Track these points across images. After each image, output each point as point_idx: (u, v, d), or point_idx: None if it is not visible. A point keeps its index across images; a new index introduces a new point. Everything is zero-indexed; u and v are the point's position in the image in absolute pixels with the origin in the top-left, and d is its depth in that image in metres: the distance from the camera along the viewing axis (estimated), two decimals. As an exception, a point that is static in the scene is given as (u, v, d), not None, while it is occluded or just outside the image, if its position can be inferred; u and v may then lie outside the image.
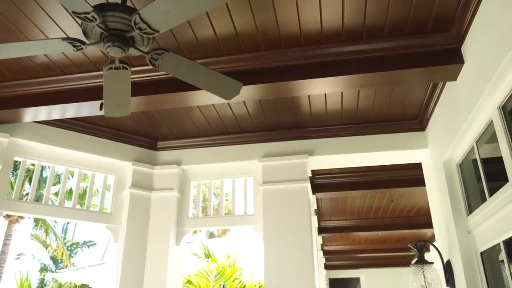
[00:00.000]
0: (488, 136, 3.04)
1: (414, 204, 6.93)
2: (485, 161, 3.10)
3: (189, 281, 7.20)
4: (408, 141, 4.14)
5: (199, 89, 3.19)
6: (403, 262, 12.80)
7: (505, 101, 2.62)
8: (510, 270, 2.75)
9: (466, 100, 2.96)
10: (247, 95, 3.31)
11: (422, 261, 3.55)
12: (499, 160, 3.13)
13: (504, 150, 2.62)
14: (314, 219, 5.52)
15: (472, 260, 3.26)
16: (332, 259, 11.79)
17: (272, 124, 4.31)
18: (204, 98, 3.38)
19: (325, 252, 10.29)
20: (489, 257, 3.20)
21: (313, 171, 5.33)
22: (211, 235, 28.88)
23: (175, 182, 4.38)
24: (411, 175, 5.37)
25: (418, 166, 5.20)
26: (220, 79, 2.40)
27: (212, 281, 7.19)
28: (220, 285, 7.31)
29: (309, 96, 3.76)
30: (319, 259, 7.92)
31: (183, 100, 3.45)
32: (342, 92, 3.64)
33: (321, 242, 8.32)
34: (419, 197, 6.47)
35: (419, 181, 5.27)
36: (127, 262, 3.97)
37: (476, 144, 3.14)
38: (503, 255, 3.12)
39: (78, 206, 4.38)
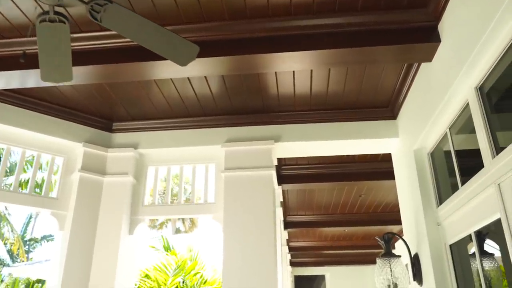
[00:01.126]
0: (462, 122, 2.88)
1: (382, 199, 6.82)
2: (458, 149, 2.93)
3: (147, 276, 6.84)
4: (379, 129, 3.96)
5: (156, 59, 2.91)
6: (369, 260, 12.82)
7: (482, 81, 2.45)
8: (481, 263, 2.59)
9: (441, 82, 2.78)
10: (209, 69, 3.03)
11: (389, 254, 3.37)
12: (472, 149, 2.98)
13: (479, 133, 2.44)
14: (280, 211, 5.29)
15: (441, 253, 3.10)
16: (298, 256, 11.66)
17: (237, 108, 4.04)
18: (163, 70, 3.08)
19: (291, 249, 10.13)
20: (458, 250, 3.04)
21: (279, 161, 5.10)
22: (177, 231, 28.44)
23: (130, 166, 4.04)
24: (380, 168, 5.23)
25: (387, 159, 5.06)
26: (174, 40, 2.11)
27: (171, 275, 6.84)
28: (180, 280, 6.96)
29: (276, 76, 3.51)
30: (284, 254, 7.72)
31: (139, 72, 3.13)
32: (311, 72, 3.40)
33: (287, 238, 8.13)
34: (387, 192, 6.36)
35: (388, 174, 5.13)
36: (72, 252, 3.62)
37: (450, 131, 2.98)
38: (472, 248, 2.97)
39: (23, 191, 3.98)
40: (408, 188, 3.64)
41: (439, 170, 3.31)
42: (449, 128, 2.98)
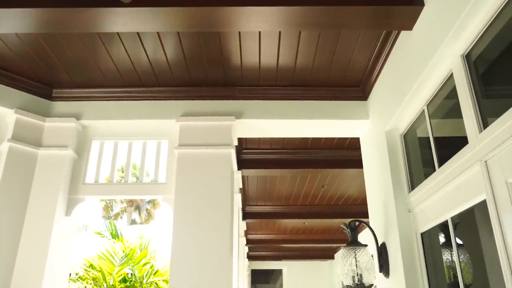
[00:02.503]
0: (441, 97, 2.62)
1: (344, 191, 6.62)
2: (436, 127, 2.67)
3: (91, 265, 6.29)
4: (348, 110, 3.68)
5: (99, 5, 2.47)
6: (326, 255, 12.77)
7: (469, 48, 2.19)
8: (458, 253, 2.34)
9: (422, 52, 2.51)
10: (162, 22, 2.61)
11: (354, 243, 3.08)
12: (451, 128, 2.73)
13: (464, 105, 2.18)
14: (238, 198, 4.94)
15: (411, 242, 2.84)
16: (256, 249, 11.39)
17: (195, 79, 3.64)
18: (108, 21, 2.63)
19: (249, 241, 9.83)
20: (430, 239, 2.80)
21: (240, 145, 4.75)
22: (133, 222, 27.59)
23: (71, 139, 3.55)
24: (346, 156, 4.99)
25: (353, 146, 4.83)
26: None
27: (117, 264, 6.32)
28: (128, 270, 6.46)
29: (240, 42, 3.14)
30: (242, 246, 7.39)
31: (81, 21, 2.66)
32: (279, 38, 3.06)
33: (245, 229, 7.80)
34: (350, 183, 6.15)
35: (353, 163, 4.92)
36: (-5, 233, 3.11)
37: (427, 108, 2.72)
38: (445, 236, 2.73)
39: None
40: (378, 173, 3.38)
41: (412, 153, 3.06)
42: (427, 105, 2.71)
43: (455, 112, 2.56)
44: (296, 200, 7.07)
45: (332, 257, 12.82)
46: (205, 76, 3.59)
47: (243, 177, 5.59)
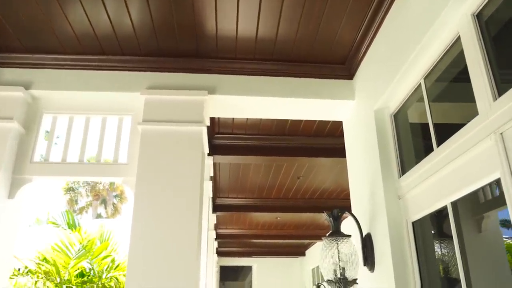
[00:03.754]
0: (440, 70, 2.34)
1: (321, 183, 6.34)
2: (434, 102, 2.39)
3: (45, 259, 5.74)
4: (332, 89, 3.37)
5: None
6: (298, 252, 12.55)
7: (482, 6, 1.90)
8: (459, 243, 2.05)
9: (423, 16, 2.21)
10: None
11: (337, 233, 2.77)
12: (453, 102, 2.46)
13: (475, 72, 1.88)
14: (209, 185, 4.56)
15: (401, 232, 2.55)
16: (225, 245, 11.04)
17: (164, 49, 3.24)
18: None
19: (219, 236, 9.46)
20: (422, 228, 2.51)
21: (212, 128, 4.39)
22: (98, 216, 26.67)
23: (17, 110, 3.09)
24: (325, 144, 4.70)
25: (333, 134, 4.56)
26: None
27: (74, 257, 5.80)
28: (87, 263, 5.95)
29: (216, 6, 2.77)
30: (211, 240, 7.01)
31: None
32: (259, 3, 2.70)
33: (215, 222, 7.42)
34: (327, 174, 5.88)
35: (332, 152, 4.65)
36: None
37: (424, 81, 2.42)
38: (440, 225, 2.46)
39: None
40: (363, 158, 3.08)
41: (404, 135, 2.77)
42: (424, 78, 2.42)
43: (458, 83, 2.28)
44: (269, 192, 6.75)
45: (303, 254, 12.60)
46: (175, 45, 3.20)
47: (214, 165, 5.21)
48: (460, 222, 2.11)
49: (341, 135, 4.59)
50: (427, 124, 2.38)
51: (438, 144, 2.22)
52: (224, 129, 4.54)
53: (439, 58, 2.25)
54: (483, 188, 1.94)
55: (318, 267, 11.31)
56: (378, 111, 2.89)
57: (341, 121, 3.71)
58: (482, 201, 2.14)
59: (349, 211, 3.02)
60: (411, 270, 2.43)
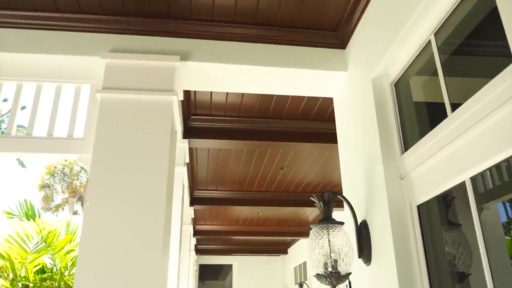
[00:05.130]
0: (454, 23, 1.96)
1: (305, 175, 5.95)
2: (447, 65, 2.00)
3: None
4: (322, 58, 2.97)
5: None
6: (280, 250, 12.17)
7: None
8: (480, 228, 1.67)
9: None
10: None
11: (328, 220, 2.36)
12: (472, 63, 2.09)
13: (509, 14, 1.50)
14: (183, 172, 4.11)
15: (404, 217, 2.16)
16: (204, 242, 10.59)
17: (131, 8, 2.79)
18: None
19: (197, 232, 9.01)
20: (429, 213, 2.13)
21: (187, 109, 3.96)
22: (75, 213, 25.79)
23: (-49, 73, 2.60)
24: (310, 129, 4.31)
25: (320, 117, 4.19)
26: None
27: (31, 251, 5.23)
28: (48, 258, 5.39)
29: (189, -50, 2.34)
30: (187, 236, 6.55)
31: None
32: None
33: (193, 217, 6.97)
34: (312, 164, 5.50)
35: (319, 137, 4.26)
36: None
37: (435, 38, 2.04)
38: (452, 209, 2.09)
39: None
40: (358, 135, 2.69)
41: (406, 105, 2.39)
42: (434, 34, 2.04)
43: (477, 39, 1.91)
44: (251, 184, 6.33)
45: (285, 252, 12.23)
46: (143, 3, 2.75)
47: (191, 151, 4.78)
48: (481, 203, 1.73)
49: (329, 119, 4.23)
50: (436, 92, 2.00)
51: (453, 109, 1.83)
52: (201, 110, 4.10)
53: (455, 6, 1.87)
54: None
55: (300, 265, 10.94)
56: (376, 80, 2.50)
57: (331, 100, 3.32)
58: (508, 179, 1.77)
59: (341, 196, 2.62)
60: (417, 262, 2.05)
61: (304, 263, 10.46)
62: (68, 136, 2.71)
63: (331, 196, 2.43)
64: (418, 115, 2.33)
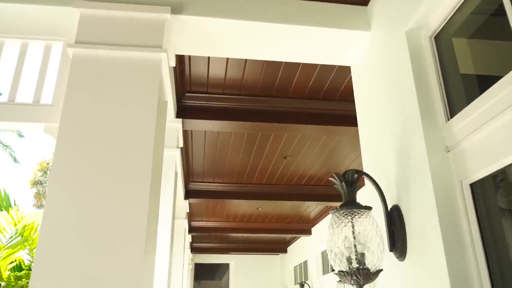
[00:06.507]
0: None
1: (310, 167, 5.49)
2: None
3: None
4: (340, 16, 2.50)
5: None
6: (279, 248, 11.71)
7: None
8: None
9: None
10: None
11: (352, 205, 1.89)
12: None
13: None
14: (175, 155, 3.61)
15: (453, 200, 1.70)
16: (201, 239, 10.12)
17: (112, -50, 2.31)
18: None
19: (193, 229, 8.53)
20: (485, 193, 1.66)
21: (180, 87, 3.49)
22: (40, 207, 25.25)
23: None
24: (320, 109, 3.84)
25: (331, 96, 3.76)
26: None
27: (5, 245, 4.68)
28: (25, 255, 4.87)
29: None
30: (181, 231, 6.06)
31: None
32: None
33: (187, 211, 6.49)
34: (318, 154, 5.02)
35: (328, 119, 3.80)
36: None
37: (499, -34, 1.58)
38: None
39: None
40: (386, 103, 2.22)
41: (451, 61, 1.92)
42: (499, -39, 1.58)
43: None
44: (251, 176, 5.85)
45: (284, 251, 11.75)
46: None
47: (186, 134, 4.30)
48: None
49: (340, 98, 3.77)
50: (495, 39, 1.54)
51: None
52: (197, 87, 3.62)
53: None
54: None
55: (301, 264, 10.46)
56: (411, 34, 2.03)
57: (344, 77, 2.91)
58: None
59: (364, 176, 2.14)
60: (473, 258, 1.58)
61: (305, 262, 9.99)
62: (34, 102, 2.23)
63: (356, 175, 1.96)
64: (470, 70, 1.86)
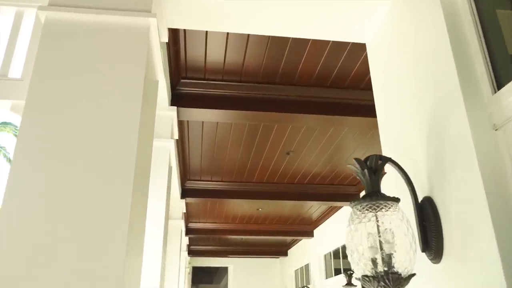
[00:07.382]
0: None
1: (313, 164, 5.17)
2: None
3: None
4: (358, -17, 2.18)
5: None
6: (279, 251, 11.37)
7: None
8: None
9: None
10: None
11: (376, 196, 1.57)
12: None
13: None
14: (170, 146, 3.28)
15: (505, 188, 1.37)
16: (198, 242, 9.78)
17: None
18: None
19: (190, 231, 8.20)
20: (548, 181, 1.34)
21: (177, 71, 3.17)
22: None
23: None
24: (327, 98, 3.52)
25: (340, 84, 3.45)
26: None
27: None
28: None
29: None
30: (177, 232, 5.72)
31: None
32: None
33: (184, 211, 6.16)
34: (322, 150, 4.71)
35: (338, 108, 3.49)
36: None
37: None
38: None
39: None
40: (414, 79, 1.90)
41: (494, 20, 1.60)
42: None
43: None
44: (251, 174, 5.53)
45: (285, 254, 11.41)
46: None
47: (182, 125, 3.99)
48: None
49: (350, 86, 3.46)
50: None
51: None
52: (193, 73, 3.31)
53: None
54: None
55: (302, 268, 10.12)
56: (446, -5, 1.71)
57: (355, 63, 2.62)
58: None
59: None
60: (535, 258, 1.25)
61: (307, 265, 9.65)
62: (0, 76, 1.90)
63: (380, 162, 1.64)
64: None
